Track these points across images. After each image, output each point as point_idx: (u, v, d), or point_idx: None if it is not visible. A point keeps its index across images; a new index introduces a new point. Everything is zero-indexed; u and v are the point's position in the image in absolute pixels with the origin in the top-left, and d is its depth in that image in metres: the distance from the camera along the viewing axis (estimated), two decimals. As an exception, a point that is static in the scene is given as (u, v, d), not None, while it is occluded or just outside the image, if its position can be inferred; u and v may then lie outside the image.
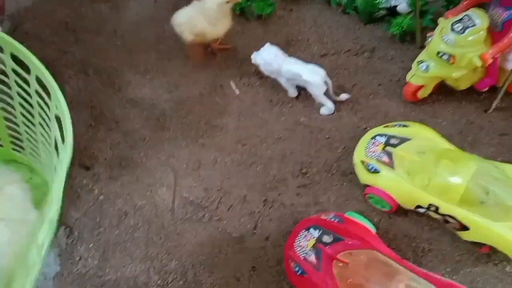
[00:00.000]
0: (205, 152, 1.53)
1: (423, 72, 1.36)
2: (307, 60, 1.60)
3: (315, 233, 1.14)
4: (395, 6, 1.67)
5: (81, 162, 1.54)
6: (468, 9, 1.28)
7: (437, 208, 1.16)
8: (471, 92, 1.46)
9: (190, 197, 1.44)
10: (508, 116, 1.41)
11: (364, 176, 1.29)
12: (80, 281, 1.31)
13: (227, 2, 1.52)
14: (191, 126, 1.60)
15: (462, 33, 1.24)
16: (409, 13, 1.60)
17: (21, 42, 1.13)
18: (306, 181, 1.42)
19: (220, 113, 1.61)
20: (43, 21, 2.02)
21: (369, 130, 1.40)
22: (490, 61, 1.24)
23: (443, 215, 1.17)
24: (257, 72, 1.65)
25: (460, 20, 1.26)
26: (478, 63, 1.26)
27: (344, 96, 1.52)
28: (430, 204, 1.17)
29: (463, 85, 1.41)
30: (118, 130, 1.64)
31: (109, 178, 1.51)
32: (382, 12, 1.68)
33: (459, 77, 1.35)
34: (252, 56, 1.58)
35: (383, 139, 1.30)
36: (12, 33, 1.95)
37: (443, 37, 1.28)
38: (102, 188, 1.48)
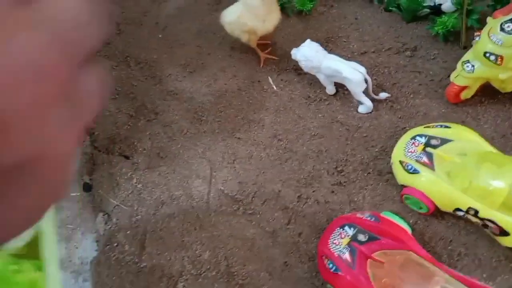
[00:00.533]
0: (241, 146, 1.55)
1: (468, 72, 1.33)
2: (347, 57, 1.59)
3: (350, 231, 1.14)
4: (440, 5, 1.63)
5: (121, 151, 1.59)
6: (519, 9, 1.24)
7: (476, 212, 1.14)
8: (517, 95, 1.41)
9: (225, 190, 1.46)
10: (556, 120, 1.36)
11: (402, 177, 1.27)
12: (117, 267, 1.36)
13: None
14: (228, 120, 1.63)
15: (512, 34, 1.21)
16: (454, 12, 1.56)
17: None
18: (341, 179, 1.42)
19: (257, 108, 1.63)
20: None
21: (408, 130, 1.38)
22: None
23: (482, 219, 1.15)
24: (296, 69, 1.66)
25: (510, 20, 1.22)
26: (527, 64, 1.22)
27: (383, 95, 1.51)
28: (469, 208, 1.15)
29: (509, 87, 1.37)
30: (157, 121, 1.69)
31: (148, 168, 1.56)
32: (426, 11, 1.64)
33: (506, 78, 1.31)
34: (292, 52, 1.59)
35: (423, 140, 1.28)
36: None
37: (491, 36, 1.24)
38: (141, 177, 1.53)
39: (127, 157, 1.60)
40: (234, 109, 1.65)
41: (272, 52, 1.74)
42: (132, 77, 1.83)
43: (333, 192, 1.40)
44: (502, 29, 1.22)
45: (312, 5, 1.77)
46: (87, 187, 1.56)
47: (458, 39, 1.53)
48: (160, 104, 1.73)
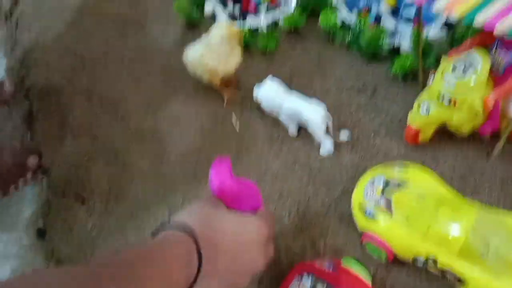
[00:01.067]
0: (202, 189, 1.52)
1: (424, 114, 1.34)
2: (309, 95, 1.59)
3: (308, 282, 1.11)
4: (399, 46, 1.67)
5: (77, 194, 1.54)
6: (471, 49, 1.26)
7: (435, 262, 1.12)
8: (474, 136, 1.42)
9: (184, 235, 1.42)
10: (510, 162, 1.37)
11: (361, 222, 1.26)
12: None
13: (230, 35, 1.51)
14: (190, 160, 1.59)
15: (464, 75, 1.23)
16: (412, 53, 1.59)
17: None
18: (303, 222, 1.39)
19: (220, 149, 1.60)
20: (51, 48, 2.06)
21: (369, 170, 1.37)
22: (491, 104, 1.21)
23: (441, 270, 1.13)
24: (259, 108, 1.65)
25: (462, 61, 1.24)
26: (480, 106, 1.23)
27: (343, 135, 1.50)
28: (428, 257, 1.13)
29: (465, 130, 1.38)
30: (117, 162, 1.65)
31: (104, 212, 1.50)
32: (386, 51, 1.67)
33: (461, 121, 1.32)
34: (254, 91, 1.58)
35: (381, 182, 1.27)
36: (21, 61, 2.00)
37: (444, 78, 1.26)
38: (96, 222, 1.47)
39: (83, 201, 1.54)
40: (196, 150, 1.62)
41: (236, 91, 1.73)
42: (94, 115, 1.80)
43: (294, 236, 1.37)
44: (454, 70, 1.24)
45: (275, 44, 1.78)
46: (40, 234, 1.49)
47: (417, 79, 1.56)
48: (121, 143, 1.69)
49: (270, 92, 1.51)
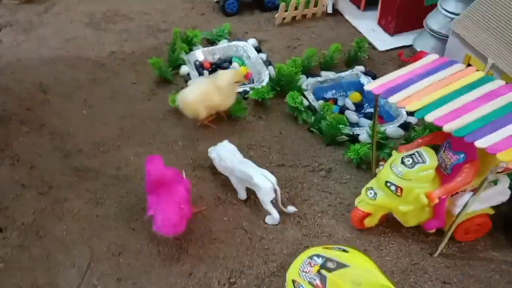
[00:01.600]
0: (134, 238, 1.40)
1: (371, 199, 1.33)
2: (264, 167, 1.57)
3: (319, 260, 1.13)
4: (358, 135, 1.72)
5: (-6, 221, 1.39)
6: (420, 147, 1.30)
7: None
8: (419, 231, 1.41)
9: (99, 286, 1.27)
10: (452, 264, 1.35)
11: (292, 299, 1.16)
12: None
13: (235, 82, 1.74)
14: (127, 206, 1.50)
15: (412, 168, 1.25)
16: (369, 143, 1.64)
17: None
18: (231, 292, 1.28)
19: (162, 201, 1.52)
20: (19, 77, 2.03)
21: (310, 248, 1.31)
22: (436, 200, 1.22)
23: None
24: (212, 167, 1.61)
25: (411, 155, 1.28)
26: (425, 200, 1.24)
27: (291, 209, 1.46)
28: None
29: (410, 222, 1.37)
30: (49, 196, 1.53)
31: (20, 246, 1.35)
32: (344, 137, 1.71)
33: (406, 212, 1.32)
34: (209, 150, 1.56)
35: (320, 261, 1.20)
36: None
37: (393, 167, 1.28)
38: (7, 256, 1.31)
39: (0, 230, 1.39)
40: (137, 197, 1.53)
41: (192, 148, 1.71)
42: (40, 147, 1.71)
43: (219, 306, 1.25)
44: (402, 162, 1.27)
45: (243, 113, 1.81)
46: None
47: (371, 168, 1.58)
48: (59, 179, 1.58)
49: (226, 152, 1.49)
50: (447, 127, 1.14)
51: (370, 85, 1.34)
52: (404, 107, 1.24)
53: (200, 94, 1.70)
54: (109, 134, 1.76)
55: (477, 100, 1.22)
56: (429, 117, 1.19)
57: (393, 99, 1.27)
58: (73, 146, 1.71)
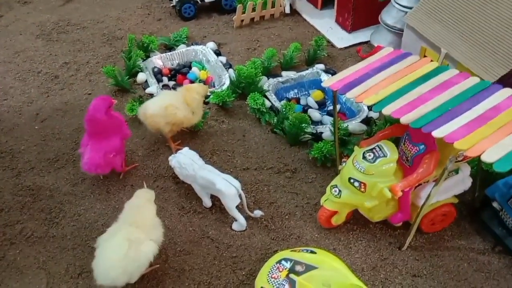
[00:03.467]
0: (93, 258, 1.32)
1: (336, 197, 1.31)
2: (228, 171, 1.53)
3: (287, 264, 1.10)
4: (321, 133, 1.71)
5: None
6: (380, 141, 1.29)
7: None
8: (386, 226, 1.41)
9: (57, 311, 1.19)
10: (421, 256, 1.34)
11: (261, 306, 1.12)
12: None
13: (203, 94, 1.62)
14: (85, 225, 1.42)
15: (373, 162, 1.24)
16: (333, 140, 1.62)
17: None
18: (199, 305, 1.23)
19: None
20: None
21: (278, 253, 1.27)
22: (399, 193, 1.21)
23: None
24: (174, 177, 1.56)
25: (371, 150, 1.26)
26: (388, 194, 1.23)
27: (257, 213, 1.43)
28: None
29: (376, 217, 1.36)
30: (0, 219, 1.43)
31: (-34, 275, 1.25)
32: (308, 136, 1.70)
33: (372, 207, 1.30)
34: (169, 158, 1.50)
35: (288, 265, 1.17)
36: None
37: (355, 163, 1.27)
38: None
39: None
40: (95, 214, 1.46)
41: (153, 158, 1.65)
42: (-12, 166, 1.61)
43: (187, 321, 1.20)
44: (364, 157, 1.25)
45: (203, 121, 1.75)
46: None
47: (335, 165, 1.57)
48: (10, 200, 1.49)
49: (186, 160, 1.44)
50: (404, 119, 1.14)
51: (327, 82, 1.32)
52: (362, 102, 1.23)
53: (163, 108, 1.55)
54: (63, 148, 1.68)
55: (433, 90, 1.22)
56: (387, 110, 1.18)
57: (350, 94, 1.25)
58: (25, 164, 1.61)
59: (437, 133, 1.08)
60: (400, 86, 1.25)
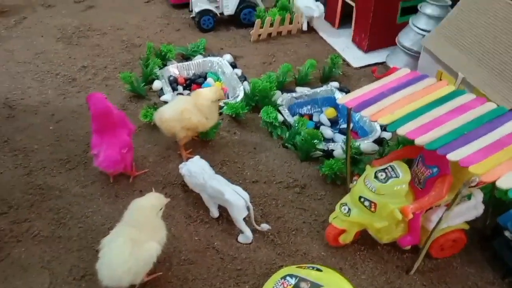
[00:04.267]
0: (97, 260, 1.32)
1: (345, 215, 1.30)
2: (237, 183, 1.53)
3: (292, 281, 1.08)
4: (333, 150, 1.70)
5: None
6: (393, 161, 1.28)
7: None
8: (394, 248, 1.38)
9: (57, 312, 1.18)
10: (429, 282, 1.31)
11: (263, 322, 1.10)
12: None
13: (218, 100, 1.61)
14: (92, 227, 1.42)
15: (385, 182, 1.22)
16: (344, 158, 1.61)
17: None
18: (201, 317, 1.21)
19: (130, 220, 1.45)
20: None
21: (283, 268, 1.25)
22: (410, 215, 1.19)
23: None
24: (183, 185, 1.56)
25: (384, 170, 1.25)
26: (399, 215, 1.21)
27: (264, 227, 1.41)
28: None
29: (385, 238, 1.34)
30: (9, 216, 1.44)
31: (-28, 269, 1.25)
32: (319, 153, 1.69)
33: (381, 228, 1.28)
34: (180, 166, 1.51)
35: (293, 281, 1.15)
36: None
37: (366, 183, 1.25)
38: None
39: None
40: (102, 217, 1.46)
41: (163, 165, 1.65)
42: (1, 164, 1.62)
43: (187, 331, 1.18)
44: (376, 177, 1.24)
45: (215, 131, 1.76)
46: None
47: (345, 183, 1.55)
48: (20, 198, 1.50)
49: (196, 168, 1.44)
50: (419, 140, 1.13)
51: (343, 99, 1.32)
52: (377, 121, 1.23)
53: (178, 112, 1.56)
54: (76, 150, 1.69)
55: (449, 114, 1.21)
56: (401, 130, 1.17)
57: (365, 113, 1.25)
58: (37, 163, 1.63)
59: (452, 156, 1.07)
60: (416, 107, 1.24)
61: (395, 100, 1.28)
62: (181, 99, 1.67)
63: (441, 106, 1.24)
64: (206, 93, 1.60)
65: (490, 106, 1.23)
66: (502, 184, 0.99)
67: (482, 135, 1.13)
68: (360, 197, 1.26)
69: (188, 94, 1.95)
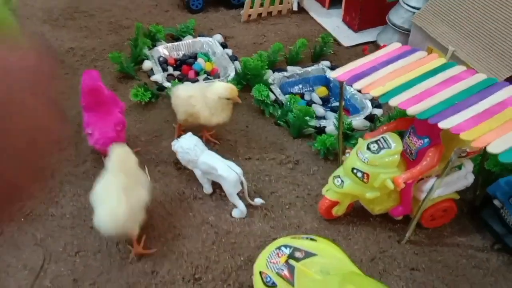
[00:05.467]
0: (92, 237, 1.32)
1: (338, 187, 1.31)
2: (231, 160, 1.52)
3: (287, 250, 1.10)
4: (325, 127, 1.71)
5: None
6: (385, 133, 1.30)
7: None
8: (387, 219, 1.40)
9: None
10: (420, 251, 1.34)
11: (259, 290, 1.12)
12: None
13: (228, 99, 1.50)
14: (86, 205, 1.41)
15: (377, 153, 1.24)
16: (336, 134, 1.62)
17: None
18: (197, 288, 1.22)
19: (123, 197, 1.45)
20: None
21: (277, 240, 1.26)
22: (402, 185, 1.21)
23: None
24: (176, 163, 1.55)
25: (376, 141, 1.27)
26: (391, 185, 1.23)
27: (258, 201, 1.42)
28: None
29: (377, 209, 1.36)
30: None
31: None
32: (311, 130, 1.70)
33: (373, 198, 1.30)
34: (172, 143, 1.50)
35: (287, 251, 1.17)
36: None
37: (358, 154, 1.27)
38: None
39: None
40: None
41: (155, 144, 1.65)
42: None
43: (184, 303, 1.19)
44: (368, 148, 1.26)
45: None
46: None
47: (338, 158, 1.57)
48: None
49: (188, 144, 1.43)
50: (411, 110, 1.14)
51: (334, 73, 1.33)
52: (369, 93, 1.23)
53: (187, 96, 1.54)
54: (66, 130, 1.67)
55: (440, 85, 1.22)
56: (393, 101, 1.18)
57: (357, 85, 1.26)
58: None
59: (443, 124, 1.08)
60: (408, 79, 1.25)
61: (386, 73, 1.29)
62: (198, 85, 1.64)
63: (433, 78, 1.25)
64: (216, 87, 1.53)
65: (480, 77, 1.25)
66: (492, 149, 1.01)
67: (472, 104, 1.15)
68: (353, 169, 1.27)
69: (179, 76, 1.94)
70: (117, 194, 1.15)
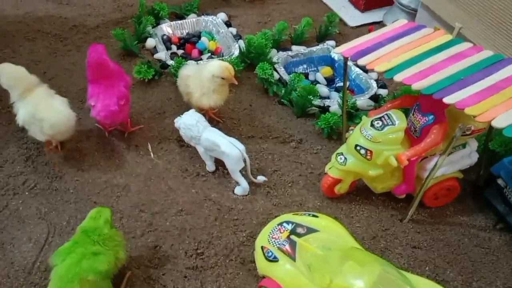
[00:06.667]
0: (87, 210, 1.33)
1: (341, 164, 1.31)
2: (234, 137, 1.52)
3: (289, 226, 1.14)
4: (329, 106, 1.70)
5: None
6: (389, 110, 1.28)
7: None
8: (389, 198, 1.40)
9: (57, 259, 1.19)
10: (422, 230, 1.34)
11: (261, 264, 1.13)
12: None
13: (222, 78, 1.46)
14: (89, 180, 1.42)
15: (381, 130, 1.23)
16: (340, 113, 1.61)
17: None
18: (199, 262, 1.23)
19: (126, 173, 1.46)
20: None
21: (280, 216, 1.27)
22: (405, 162, 1.20)
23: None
24: (179, 140, 1.55)
25: (380, 118, 1.26)
26: (394, 162, 1.22)
27: (261, 179, 1.42)
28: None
29: (380, 187, 1.36)
30: (4, 170, 1.44)
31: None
32: (315, 109, 1.69)
33: (376, 177, 1.30)
34: (175, 120, 1.50)
35: (289, 226, 1.17)
36: None
37: (362, 131, 1.26)
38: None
39: None
40: (99, 170, 1.46)
41: (158, 121, 1.65)
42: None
43: (185, 277, 1.20)
44: (372, 125, 1.25)
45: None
46: None
47: (341, 138, 1.56)
48: (15, 152, 1.48)
49: (191, 121, 1.43)
50: (416, 86, 1.13)
51: (339, 48, 1.31)
52: (374, 69, 1.22)
53: (186, 75, 1.54)
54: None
55: (446, 61, 1.21)
56: (398, 77, 1.17)
57: (362, 61, 1.24)
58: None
59: (448, 100, 1.07)
60: (413, 55, 1.24)
61: (392, 49, 1.27)
62: (201, 65, 1.61)
63: (438, 54, 1.23)
64: (211, 65, 1.49)
65: (487, 53, 1.23)
66: (497, 123, 1.00)
67: (478, 80, 1.13)
68: (356, 146, 1.26)
69: (183, 55, 1.92)
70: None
